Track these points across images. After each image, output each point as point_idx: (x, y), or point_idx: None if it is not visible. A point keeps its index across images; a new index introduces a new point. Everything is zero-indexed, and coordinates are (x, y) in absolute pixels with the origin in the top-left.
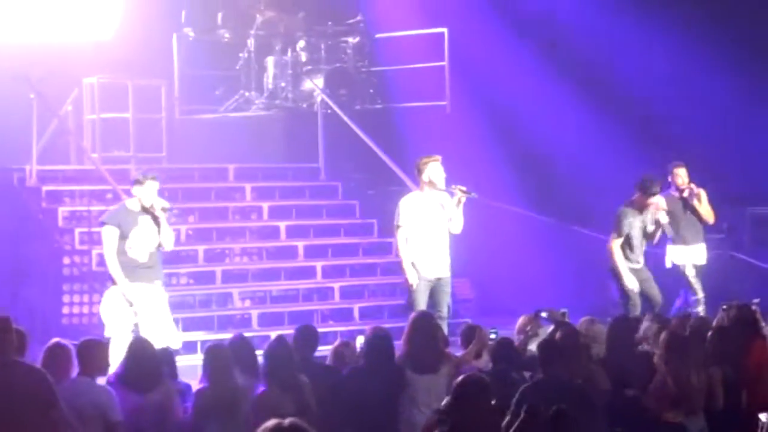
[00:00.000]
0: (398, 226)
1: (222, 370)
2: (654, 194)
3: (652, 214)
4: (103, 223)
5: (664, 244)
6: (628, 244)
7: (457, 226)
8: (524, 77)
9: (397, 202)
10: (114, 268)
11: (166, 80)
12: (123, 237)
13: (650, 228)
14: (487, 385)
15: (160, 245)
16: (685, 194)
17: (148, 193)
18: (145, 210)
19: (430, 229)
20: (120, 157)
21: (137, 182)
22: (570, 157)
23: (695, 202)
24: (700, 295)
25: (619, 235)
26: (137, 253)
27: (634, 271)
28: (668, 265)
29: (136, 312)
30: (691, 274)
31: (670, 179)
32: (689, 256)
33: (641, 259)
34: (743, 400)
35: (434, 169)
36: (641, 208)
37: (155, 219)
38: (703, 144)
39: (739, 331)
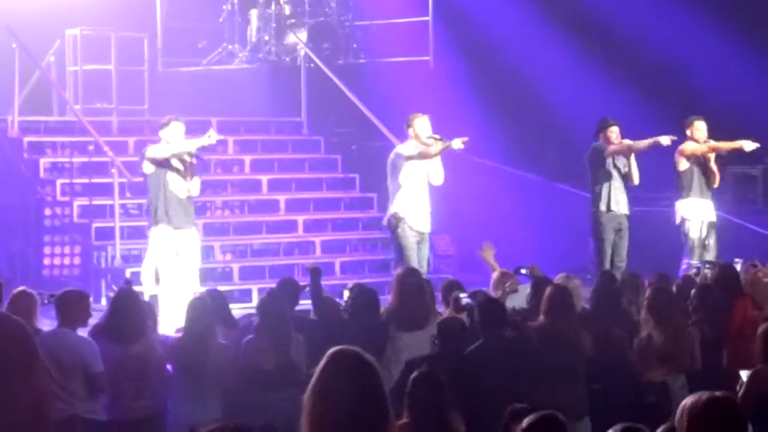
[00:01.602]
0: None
1: (197, 321)
2: (610, 126)
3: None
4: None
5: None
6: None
7: (438, 177)
8: (511, 29)
9: (382, 159)
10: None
11: (148, 33)
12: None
13: (624, 169)
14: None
15: (188, 190)
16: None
17: (173, 134)
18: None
19: (418, 182)
20: (102, 109)
21: (163, 125)
22: (561, 114)
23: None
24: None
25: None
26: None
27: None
28: (678, 220)
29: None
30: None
31: (689, 132)
32: (700, 211)
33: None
34: (724, 358)
35: (421, 124)
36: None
37: (183, 163)
38: (696, 101)
39: (721, 290)
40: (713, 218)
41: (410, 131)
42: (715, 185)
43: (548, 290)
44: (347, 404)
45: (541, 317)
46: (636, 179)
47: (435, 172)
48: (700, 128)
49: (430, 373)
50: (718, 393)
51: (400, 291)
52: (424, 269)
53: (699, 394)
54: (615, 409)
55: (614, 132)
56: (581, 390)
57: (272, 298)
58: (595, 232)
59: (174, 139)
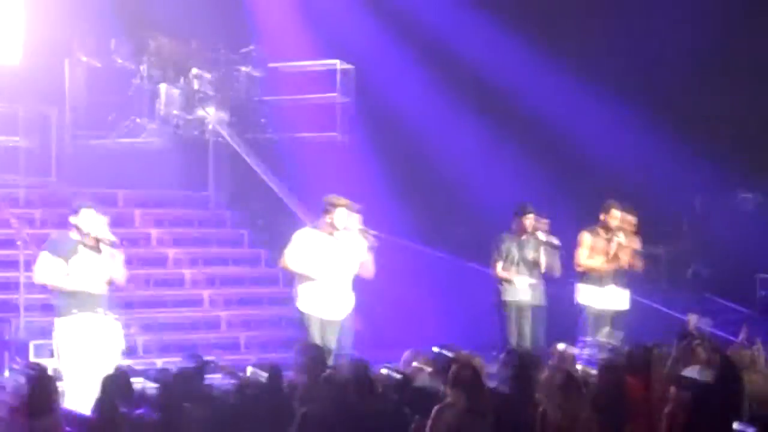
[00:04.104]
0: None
1: (107, 400)
2: (527, 214)
3: (533, 237)
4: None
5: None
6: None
7: (369, 270)
8: (420, 106)
9: (291, 233)
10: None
11: (57, 106)
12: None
13: (533, 255)
14: None
15: (110, 280)
16: (614, 243)
17: (83, 222)
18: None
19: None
20: (9, 182)
21: (73, 211)
22: (469, 191)
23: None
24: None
25: (499, 257)
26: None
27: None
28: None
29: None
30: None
31: (602, 217)
32: (596, 299)
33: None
34: None
35: (340, 215)
36: (519, 232)
37: (96, 251)
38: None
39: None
40: (615, 307)
41: (327, 217)
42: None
43: (454, 368)
44: None
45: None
46: (553, 270)
47: (366, 265)
48: (615, 216)
49: None
50: None
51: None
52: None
53: None
54: None
55: (529, 219)
56: None
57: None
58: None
59: (85, 226)
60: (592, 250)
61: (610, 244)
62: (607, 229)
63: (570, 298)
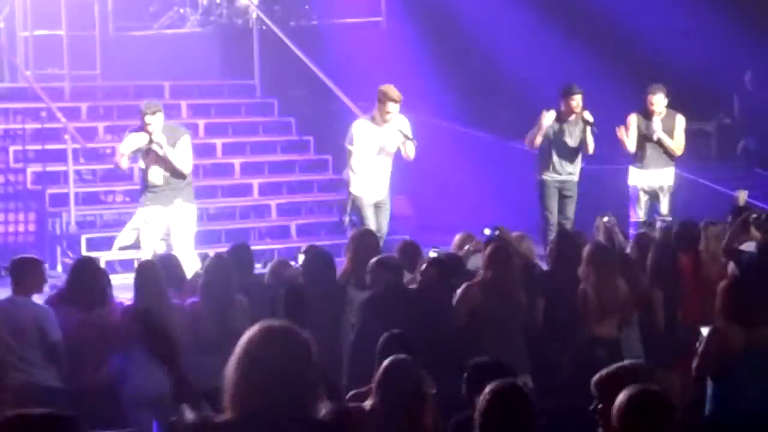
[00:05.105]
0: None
1: (150, 287)
2: (573, 95)
3: (576, 120)
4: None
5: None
6: (551, 154)
7: (411, 152)
8: None
9: (336, 120)
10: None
11: None
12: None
13: (576, 136)
14: None
15: (174, 171)
16: (651, 128)
17: (150, 124)
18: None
19: (376, 154)
20: (54, 75)
21: (141, 113)
22: (514, 74)
23: (662, 136)
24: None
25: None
26: (152, 176)
27: (556, 181)
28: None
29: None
30: (642, 198)
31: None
32: (644, 179)
33: (566, 171)
34: (679, 315)
35: (392, 108)
36: (566, 113)
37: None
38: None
39: (678, 247)
40: (660, 183)
41: (379, 107)
42: (676, 155)
43: (489, 247)
44: (272, 375)
45: (481, 272)
46: (590, 149)
47: (408, 148)
48: (654, 102)
49: (406, 361)
50: (646, 387)
51: (355, 252)
52: (382, 232)
53: (628, 390)
54: (566, 364)
55: (575, 100)
56: (518, 345)
57: (217, 260)
58: (539, 196)
59: (151, 128)
60: (638, 132)
61: (651, 128)
62: (649, 112)
63: (621, 178)
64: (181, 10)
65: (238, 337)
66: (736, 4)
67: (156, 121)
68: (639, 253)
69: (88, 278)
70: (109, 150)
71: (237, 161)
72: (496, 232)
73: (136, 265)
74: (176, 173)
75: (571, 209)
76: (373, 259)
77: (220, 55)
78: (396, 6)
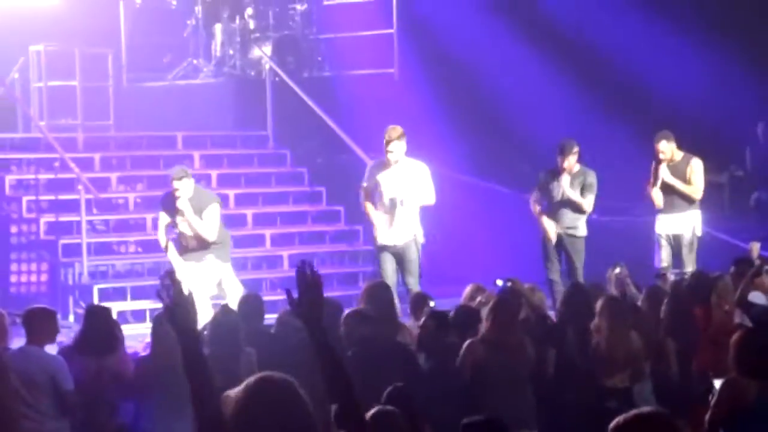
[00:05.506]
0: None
1: (166, 337)
2: (567, 154)
3: (571, 177)
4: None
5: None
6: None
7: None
8: (477, 40)
9: (349, 171)
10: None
11: (113, 48)
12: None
13: (568, 192)
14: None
15: (198, 236)
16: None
17: (178, 189)
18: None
19: (386, 196)
20: (67, 125)
21: (177, 178)
22: (527, 123)
23: (670, 178)
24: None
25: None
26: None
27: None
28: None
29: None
30: (663, 244)
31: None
32: (662, 226)
33: (564, 226)
34: (692, 366)
35: (392, 148)
36: (559, 171)
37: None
38: (660, 113)
39: (691, 298)
40: (678, 231)
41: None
42: (694, 198)
43: (492, 300)
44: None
45: (485, 323)
46: (584, 207)
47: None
48: (660, 150)
49: (403, 389)
50: (645, 410)
51: (366, 304)
52: (408, 283)
53: (628, 413)
54: (578, 415)
55: (567, 161)
56: (525, 400)
57: (224, 312)
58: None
59: (179, 192)
60: (655, 180)
61: (659, 174)
62: (659, 160)
63: (638, 229)
64: (195, 62)
65: None
66: (748, 58)
67: (183, 187)
68: (650, 304)
69: (100, 324)
70: (122, 200)
71: (249, 212)
72: (508, 284)
73: (147, 315)
74: (200, 239)
75: (574, 263)
76: (346, 311)
77: (233, 106)
78: (409, 57)
